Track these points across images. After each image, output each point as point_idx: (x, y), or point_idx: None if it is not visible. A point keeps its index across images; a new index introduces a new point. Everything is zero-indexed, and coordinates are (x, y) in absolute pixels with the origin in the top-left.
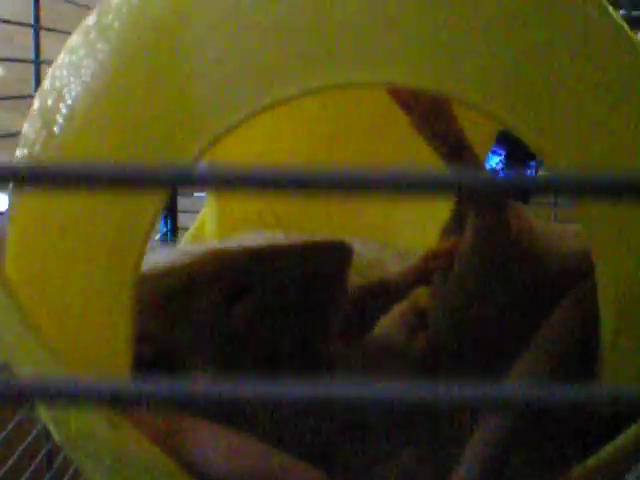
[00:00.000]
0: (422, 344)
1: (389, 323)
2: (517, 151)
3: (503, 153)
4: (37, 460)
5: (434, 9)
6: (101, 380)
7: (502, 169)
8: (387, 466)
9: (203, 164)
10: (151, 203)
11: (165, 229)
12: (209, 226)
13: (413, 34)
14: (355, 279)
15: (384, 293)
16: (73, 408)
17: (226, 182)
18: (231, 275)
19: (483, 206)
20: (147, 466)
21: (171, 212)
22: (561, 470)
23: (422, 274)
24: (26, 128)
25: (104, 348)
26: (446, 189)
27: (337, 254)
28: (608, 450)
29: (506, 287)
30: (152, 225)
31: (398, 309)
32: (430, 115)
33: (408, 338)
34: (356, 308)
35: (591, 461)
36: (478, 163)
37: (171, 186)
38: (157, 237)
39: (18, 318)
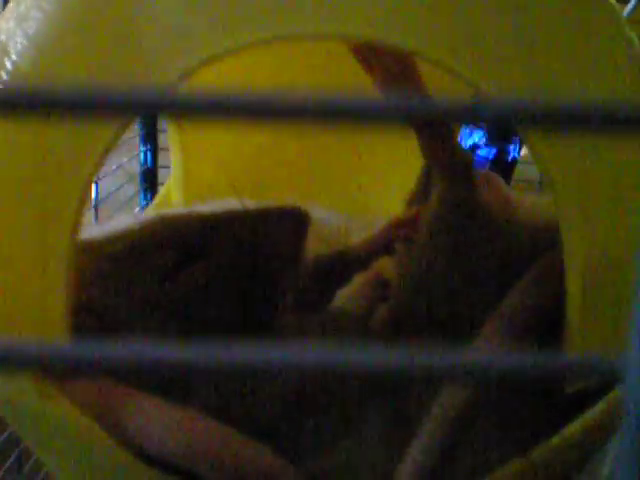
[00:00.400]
0: (382, 316)
1: (348, 294)
2: (499, 125)
3: (485, 127)
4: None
5: None
6: (31, 343)
7: (485, 144)
8: (344, 443)
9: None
10: (90, 153)
11: (145, 202)
12: (175, 195)
13: None
14: (319, 248)
15: (344, 263)
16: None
17: (194, 108)
18: (180, 241)
19: (449, 173)
20: (81, 439)
21: (151, 185)
22: (523, 449)
23: (384, 243)
24: None
25: (37, 318)
26: (388, 115)
27: (293, 221)
28: (572, 429)
29: (472, 257)
30: (90, 178)
31: (359, 280)
32: (392, 75)
33: (368, 310)
34: (314, 278)
35: (555, 440)
36: (447, 129)
37: (140, 113)
38: (137, 210)
39: None
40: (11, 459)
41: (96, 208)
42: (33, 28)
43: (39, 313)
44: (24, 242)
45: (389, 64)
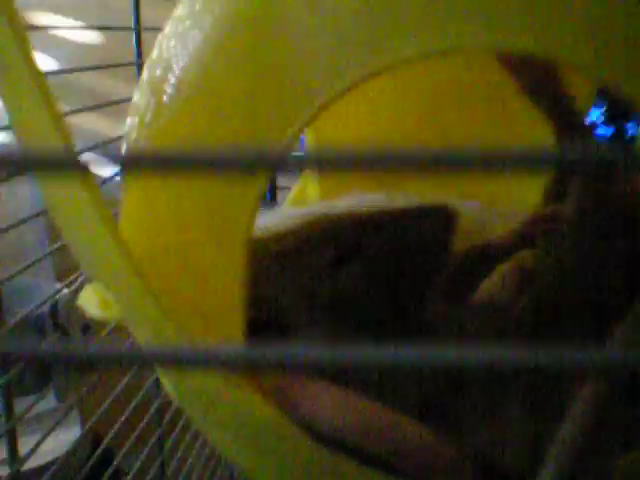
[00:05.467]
0: (524, 307)
1: (491, 285)
2: (618, 103)
3: (603, 106)
4: (148, 416)
5: None
6: (218, 347)
7: (603, 123)
8: (486, 423)
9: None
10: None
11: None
12: (311, 188)
13: None
14: (458, 239)
15: (488, 255)
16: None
17: (330, 164)
18: (337, 240)
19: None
20: (260, 422)
21: None
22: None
23: (527, 237)
24: (136, 97)
25: (219, 310)
26: (552, 165)
27: (441, 220)
28: None
29: (611, 252)
30: (262, 190)
31: (501, 271)
32: (540, 81)
33: (510, 300)
34: (460, 270)
35: None
36: (588, 131)
37: (269, 170)
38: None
39: (135, 282)
40: (152, 441)
41: None
42: (193, 47)
43: (220, 310)
44: (206, 250)
45: (535, 70)
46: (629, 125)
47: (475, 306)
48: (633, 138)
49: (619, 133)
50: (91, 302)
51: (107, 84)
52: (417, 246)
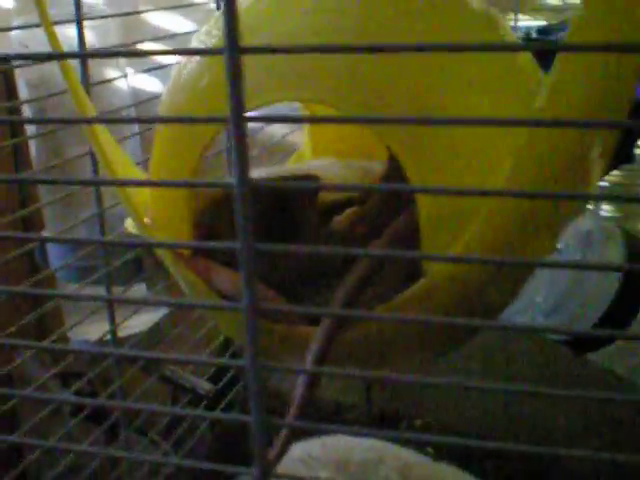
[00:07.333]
0: (360, 230)
1: (339, 219)
2: None
3: None
4: None
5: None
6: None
7: None
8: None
9: None
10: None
11: None
12: (307, 151)
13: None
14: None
15: (345, 203)
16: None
17: None
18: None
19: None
20: (192, 287)
21: None
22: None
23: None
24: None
25: (175, 222)
26: None
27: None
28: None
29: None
30: (204, 149)
31: (347, 212)
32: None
33: (348, 227)
34: (325, 212)
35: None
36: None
37: None
38: None
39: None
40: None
41: None
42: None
43: (174, 227)
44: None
45: None
46: None
47: (330, 229)
48: None
49: None
50: (131, 225)
51: None
52: (294, 198)
